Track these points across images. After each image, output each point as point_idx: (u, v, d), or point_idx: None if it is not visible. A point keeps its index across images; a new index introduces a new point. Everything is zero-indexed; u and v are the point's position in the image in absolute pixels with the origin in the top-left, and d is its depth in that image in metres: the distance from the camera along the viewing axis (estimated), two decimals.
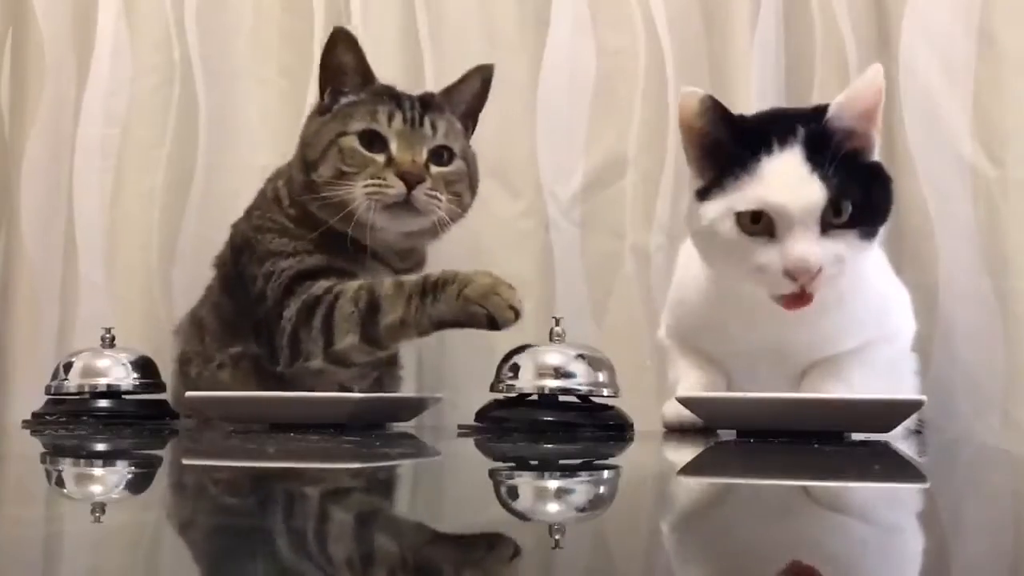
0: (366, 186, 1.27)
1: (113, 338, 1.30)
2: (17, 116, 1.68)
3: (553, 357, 1.15)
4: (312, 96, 1.60)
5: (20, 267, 1.66)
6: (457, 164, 1.34)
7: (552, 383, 1.14)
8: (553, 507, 0.69)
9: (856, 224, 1.00)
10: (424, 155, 1.30)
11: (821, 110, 1.04)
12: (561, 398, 1.15)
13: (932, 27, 1.44)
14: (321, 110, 1.35)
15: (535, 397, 1.15)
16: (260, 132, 1.62)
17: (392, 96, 1.33)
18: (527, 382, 1.14)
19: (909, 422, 1.16)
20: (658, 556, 0.53)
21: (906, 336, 1.20)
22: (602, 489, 0.81)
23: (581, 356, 1.16)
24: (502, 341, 1.26)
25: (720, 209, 1.02)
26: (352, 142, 1.29)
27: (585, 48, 1.56)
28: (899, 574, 0.49)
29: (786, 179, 0.99)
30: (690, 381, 1.15)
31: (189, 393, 1.22)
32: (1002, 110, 1.41)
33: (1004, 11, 1.42)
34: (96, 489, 0.79)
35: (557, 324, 1.18)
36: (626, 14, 1.55)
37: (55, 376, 1.29)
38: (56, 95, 1.67)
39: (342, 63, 1.34)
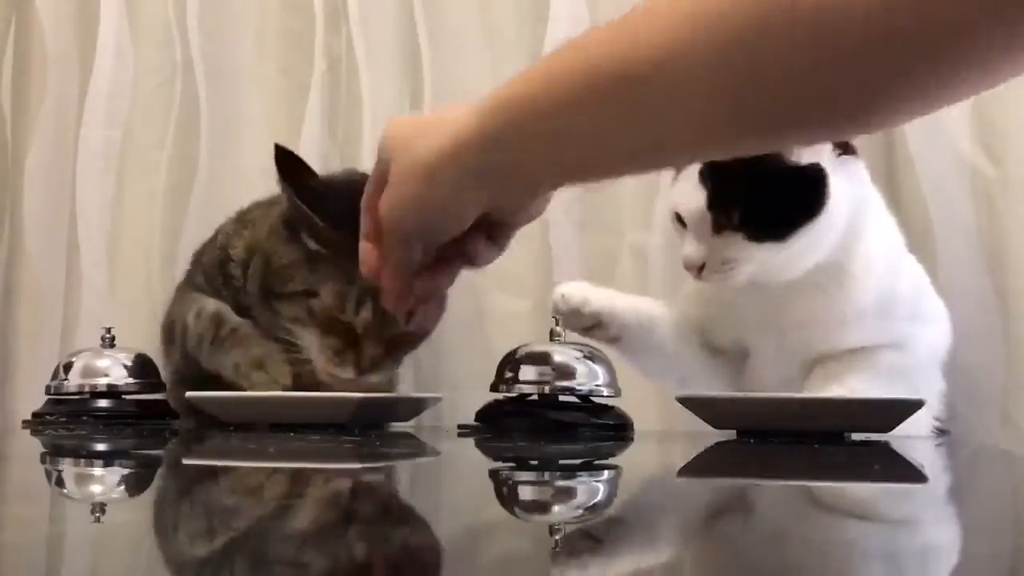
0: (324, 352, 1.19)
1: (113, 338, 1.30)
2: (19, 117, 1.68)
3: (553, 357, 1.15)
4: (314, 97, 1.61)
5: (22, 268, 1.66)
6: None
7: (552, 383, 1.14)
8: (553, 507, 0.69)
9: (742, 228, 1.09)
10: (388, 339, 1.21)
11: None
12: (561, 398, 1.15)
13: None
14: (288, 221, 1.21)
15: (535, 397, 1.15)
16: (262, 133, 1.62)
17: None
18: (527, 382, 1.15)
19: (933, 422, 1.18)
20: (658, 556, 0.53)
21: (924, 348, 1.20)
22: (602, 489, 0.81)
23: (581, 356, 1.16)
24: (503, 341, 1.26)
25: (669, 206, 1.15)
26: (322, 309, 1.19)
27: None
28: (899, 574, 0.49)
29: (687, 186, 1.11)
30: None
31: (189, 393, 1.21)
32: (1002, 110, 1.41)
33: None
34: (96, 489, 0.79)
35: (557, 324, 1.18)
36: (624, 11, 1.54)
37: (55, 376, 1.29)
38: (58, 96, 1.67)
39: (301, 188, 1.19)
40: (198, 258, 1.37)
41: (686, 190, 1.11)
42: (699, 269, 1.10)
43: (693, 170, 1.10)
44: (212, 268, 1.30)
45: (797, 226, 1.09)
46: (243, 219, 1.33)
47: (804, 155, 1.08)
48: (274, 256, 1.22)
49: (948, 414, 1.24)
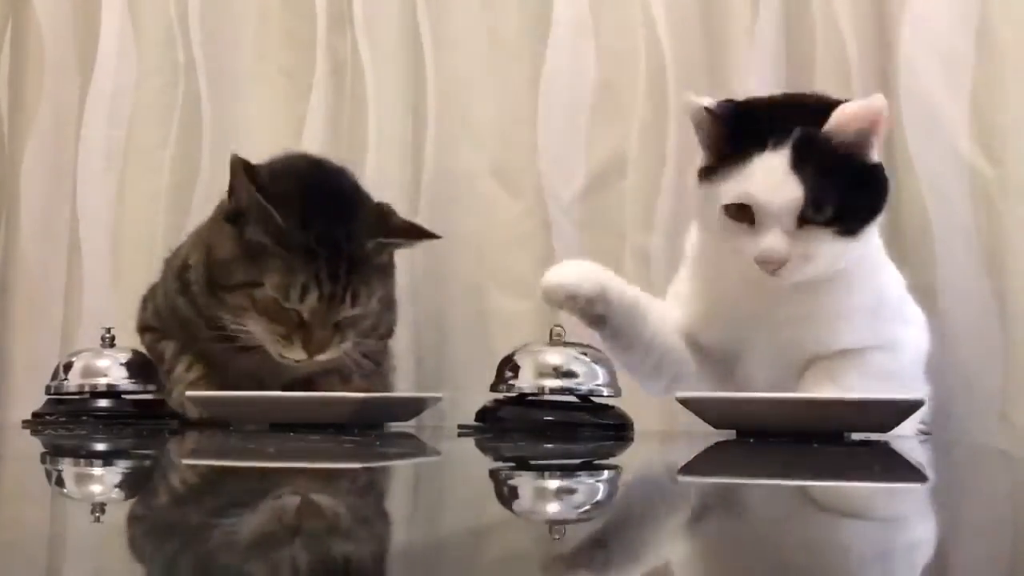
0: (272, 336, 1.21)
1: (113, 338, 1.30)
2: (16, 117, 1.68)
3: (553, 357, 1.15)
4: (315, 97, 1.61)
5: (19, 267, 1.66)
6: (371, 307, 1.26)
7: (552, 383, 1.14)
8: (553, 507, 0.69)
9: (833, 223, 1.07)
10: (336, 320, 1.22)
11: (823, 108, 1.09)
12: (561, 398, 1.15)
13: (932, 27, 1.44)
14: (229, 215, 1.23)
15: (535, 397, 1.15)
16: (263, 133, 1.62)
17: (312, 260, 1.19)
18: (527, 382, 1.15)
19: (918, 424, 1.17)
20: (658, 556, 0.53)
21: (911, 351, 1.20)
22: (602, 489, 0.81)
23: (581, 356, 1.16)
24: (504, 341, 1.26)
25: (711, 195, 1.11)
26: (265, 298, 1.20)
27: (586, 49, 1.56)
28: (898, 574, 0.49)
29: (769, 178, 1.07)
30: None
31: (189, 393, 1.22)
32: (1001, 110, 1.41)
33: (1003, 12, 1.42)
34: (96, 489, 0.79)
35: (557, 324, 1.18)
36: (627, 16, 1.54)
37: (55, 376, 1.29)
38: (56, 96, 1.67)
39: (240, 192, 1.22)
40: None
41: (767, 183, 1.07)
42: (776, 265, 1.07)
43: (768, 163, 1.07)
44: (171, 277, 1.33)
45: (868, 222, 1.10)
46: (197, 232, 1.36)
47: (873, 154, 1.10)
48: (216, 250, 1.25)
49: (932, 416, 1.24)
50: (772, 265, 1.07)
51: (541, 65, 1.56)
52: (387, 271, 1.30)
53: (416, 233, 1.31)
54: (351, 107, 1.61)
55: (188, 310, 1.29)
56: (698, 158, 1.15)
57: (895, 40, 1.44)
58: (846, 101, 1.10)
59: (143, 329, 1.38)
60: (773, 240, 1.07)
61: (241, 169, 1.21)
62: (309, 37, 1.62)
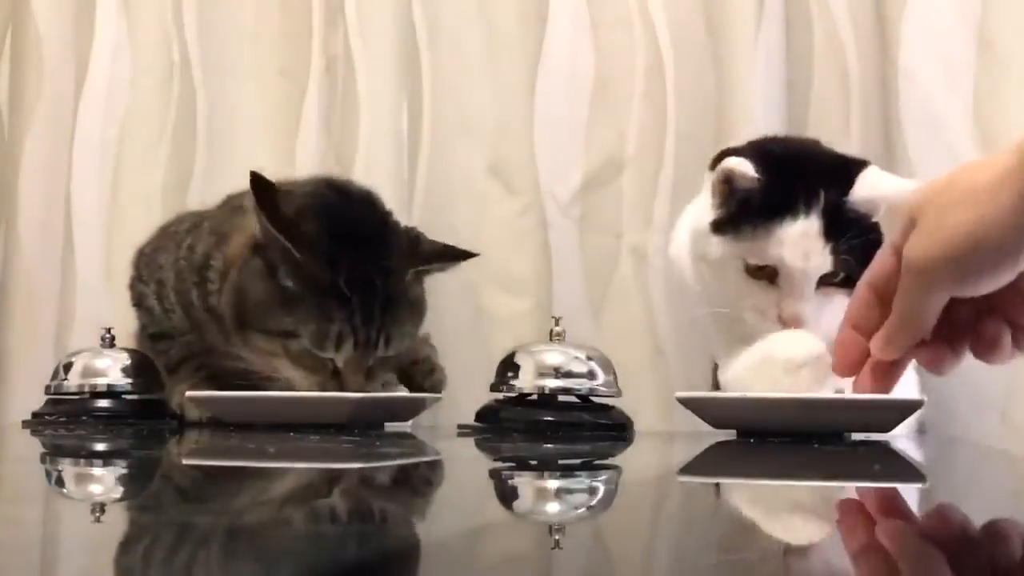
0: (305, 385, 1.18)
1: (113, 338, 1.30)
2: (16, 115, 1.68)
3: (553, 357, 1.15)
4: (312, 95, 1.61)
5: (18, 267, 1.66)
6: (403, 346, 1.22)
7: (552, 383, 1.14)
8: (553, 507, 0.69)
9: (847, 283, 1.08)
10: (369, 366, 1.19)
11: (847, 171, 1.12)
12: (561, 398, 1.15)
13: (932, 30, 1.44)
14: (258, 248, 1.17)
15: (535, 397, 1.15)
16: (259, 132, 1.62)
17: (345, 307, 1.15)
18: (527, 382, 1.15)
19: (912, 421, 1.17)
20: (658, 556, 0.53)
21: None
22: (602, 489, 0.81)
23: (581, 356, 1.16)
24: (502, 341, 1.26)
25: (731, 251, 1.12)
26: (300, 349, 1.17)
27: (584, 47, 1.56)
28: (898, 574, 0.49)
29: (801, 246, 1.09)
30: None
31: (189, 392, 1.22)
32: (1001, 111, 1.41)
33: (1003, 15, 1.42)
34: (96, 489, 0.79)
35: (557, 323, 1.18)
36: (625, 13, 1.54)
37: (55, 376, 1.29)
38: (55, 95, 1.67)
39: (265, 231, 1.16)
40: (158, 257, 1.35)
41: (799, 250, 1.09)
42: (798, 326, 1.09)
43: (799, 229, 1.09)
44: (188, 270, 1.28)
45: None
46: (218, 231, 1.29)
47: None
48: (249, 291, 1.19)
49: (922, 414, 1.24)
50: (795, 326, 1.10)
51: (538, 62, 1.56)
52: (420, 303, 1.26)
53: (452, 255, 1.27)
54: (344, 104, 1.60)
55: (199, 306, 1.27)
56: (708, 205, 1.14)
57: (895, 41, 1.44)
58: (864, 162, 1.13)
59: (138, 304, 1.37)
60: (798, 305, 1.09)
61: (262, 196, 1.15)
62: (305, 35, 1.62)
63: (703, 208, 1.16)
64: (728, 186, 1.12)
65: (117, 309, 1.58)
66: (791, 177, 1.12)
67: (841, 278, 1.09)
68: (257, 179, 1.16)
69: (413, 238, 1.25)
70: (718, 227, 1.13)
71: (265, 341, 1.19)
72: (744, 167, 1.10)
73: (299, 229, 1.15)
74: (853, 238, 1.09)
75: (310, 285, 1.15)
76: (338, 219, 1.19)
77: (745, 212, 1.11)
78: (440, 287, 1.56)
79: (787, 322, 1.10)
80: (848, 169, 1.12)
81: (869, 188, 1.10)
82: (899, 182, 1.12)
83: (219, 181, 1.62)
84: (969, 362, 1.38)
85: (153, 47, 1.65)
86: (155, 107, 1.65)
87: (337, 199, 1.24)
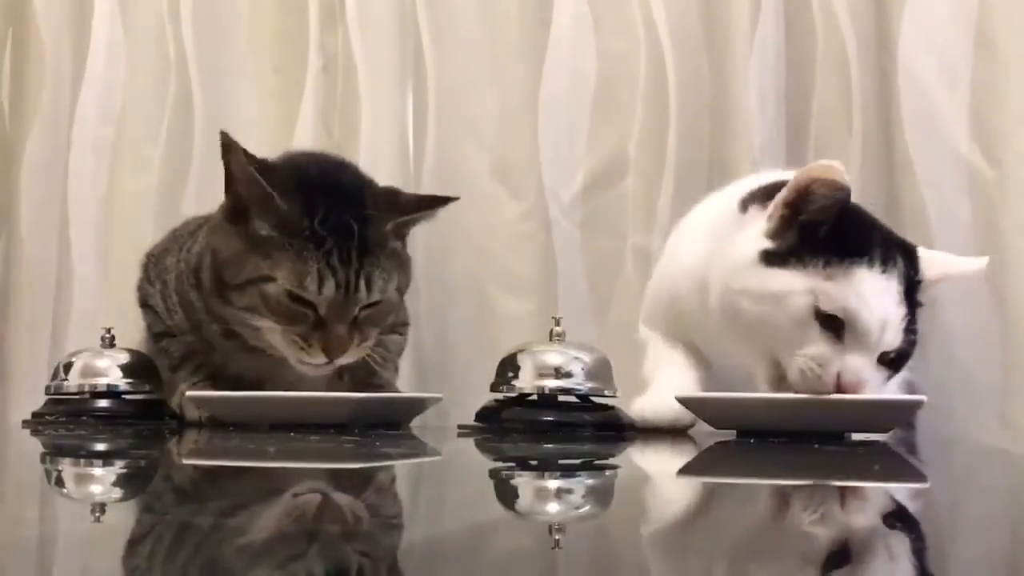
0: (289, 341, 1.16)
1: (113, 338, 1.30)
2: (16, 115, 1.68)
3: (553, 357, 1.15)
4: (309, 94, 1.61)
5: (19, 267, 1.66)
6: (387, 298, 1.20)
7: (552, 383, 1.14)
8: (553, 507, 0.69)
9: (894, 364, 1.02)
10: (354, 315, 1.17)
11: (911, 252, 1.05)
12: (561, 398, 1.15)
13: (931, 29, 1.44)
14: (229, 215, 1.19)
15: (535, 397, 1.15)
16: (255, 130, 1.61)
17: (322, 248, 1.14)
18: (527, 382, 1.15)
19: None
20: (658, 556, 0.53)
21: None
22: (602, 489, 0.81)
23: (581, 356, 1.16)
24: (502, 341, 1.26)
25: (796, 287, 1.01)
26: (278, 293, 1.15)
27: (586, 50, 1.56)
28: (899, 574, 0.49)
29: (887, 312, 1.00)
30: (685, 380, 1.15)
31: (189, 392, 1.22)
32: (1000, 111, 1.42)
33: (1002, 14, 1.42)
34: (96, 489, 0.79)
35: (557, 324, 1.18)
36: (627, 16, 1.54)
37: (55, 376, 1.29)
38: (55, 94, 1.67)
39: (239, 178, 1.18)
40: (165, 261, 1.35)
41: (880, 313, 1.00)
42: (852, 390, 0.99)
43: (878, 286, 1.00)
44: (186, 272, 1.28)
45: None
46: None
47: None
48: (222, 248, 1.20)
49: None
50: (852, 390, 0.99)
51: (541, 65, 1.56)
52: (402, 259, 1.25)
53: (430, 202, 1.26)
54: (343, 103, 1.60)
55: (199, 307, 1.26)
56: (756, 228, 1.05)
57: (894, 40, 1.44)
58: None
59: (144, 304, 1.36)
60: (869, 372, 1.00)
61: (235, 148, 1.16)
62: (301, 34, 1.62)
63: (730, 234, 1.08)
64: (800, 202, 1.01)
65: (113, 308, 1.58)
66: (861, 225, 1.04)
67: (892, 357, 1.01)
68: (226, 136, 1.18)
69: (392, 192, 1.25)
70: (772, 257, 1.02)
71: (243, 296, 1.17)
72: (837, 172, 1.00)
73: (273, 174, 1.17)
74: (915, 315, 1.02)
75: (285, 229, 1.15)
76: (313, 170, 1.22)
77: (809, 243, 1.01)
78: (443, 288, 1.56)
79: (846, 386, 0.99)
80: (908, 247, 1.06)
81: (941, 269, 1.05)
82: (959, 261, 1.07)
83: (215, 180, 1.62)
84: (968, 362, 1.40)
85: (149, 45, 1.65)
86: (151, 105, 1.64)
87: (312, 158, 1.28)
